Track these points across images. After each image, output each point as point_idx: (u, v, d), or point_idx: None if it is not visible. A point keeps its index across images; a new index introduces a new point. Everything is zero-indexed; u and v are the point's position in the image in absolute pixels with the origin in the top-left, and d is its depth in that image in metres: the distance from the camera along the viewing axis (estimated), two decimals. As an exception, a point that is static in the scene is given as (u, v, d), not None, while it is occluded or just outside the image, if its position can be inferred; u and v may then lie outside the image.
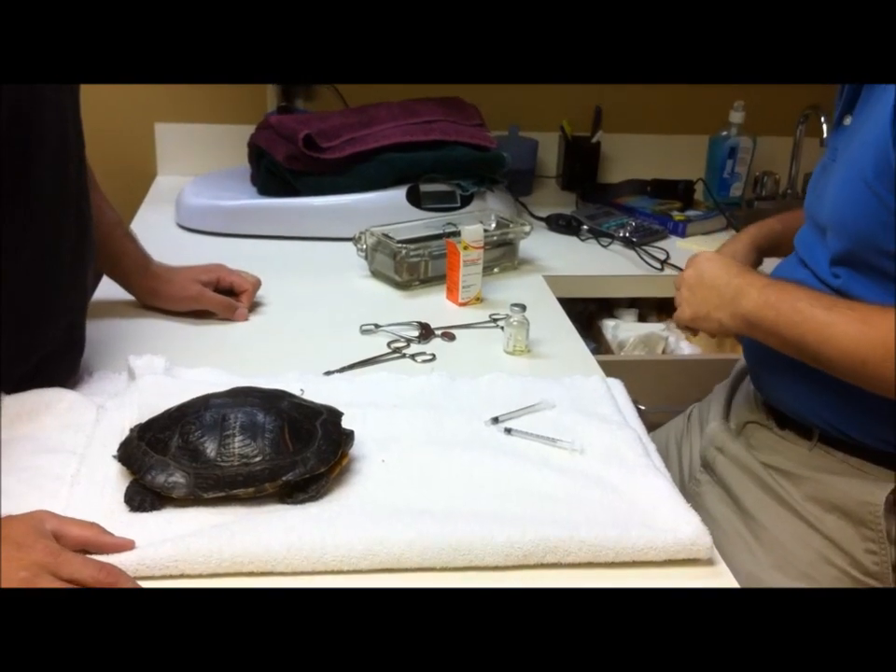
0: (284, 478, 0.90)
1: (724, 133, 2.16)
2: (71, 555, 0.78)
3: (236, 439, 0.90)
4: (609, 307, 1.86)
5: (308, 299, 1.50)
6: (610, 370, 1.29)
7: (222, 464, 0.89)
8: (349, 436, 0.97)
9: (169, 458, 0.90)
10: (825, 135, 2.00)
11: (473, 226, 1.49)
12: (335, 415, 0.98)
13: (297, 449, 0.92)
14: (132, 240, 1.34)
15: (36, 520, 0.81)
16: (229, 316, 1.37)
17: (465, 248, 1.46)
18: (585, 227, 1.92)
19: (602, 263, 1.81)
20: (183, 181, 1.95)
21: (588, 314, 1.83)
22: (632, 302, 1.86)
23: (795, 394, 1.11)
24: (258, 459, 0.90)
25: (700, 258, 1.17)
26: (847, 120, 1.08)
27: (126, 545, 0.82)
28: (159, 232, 1.61)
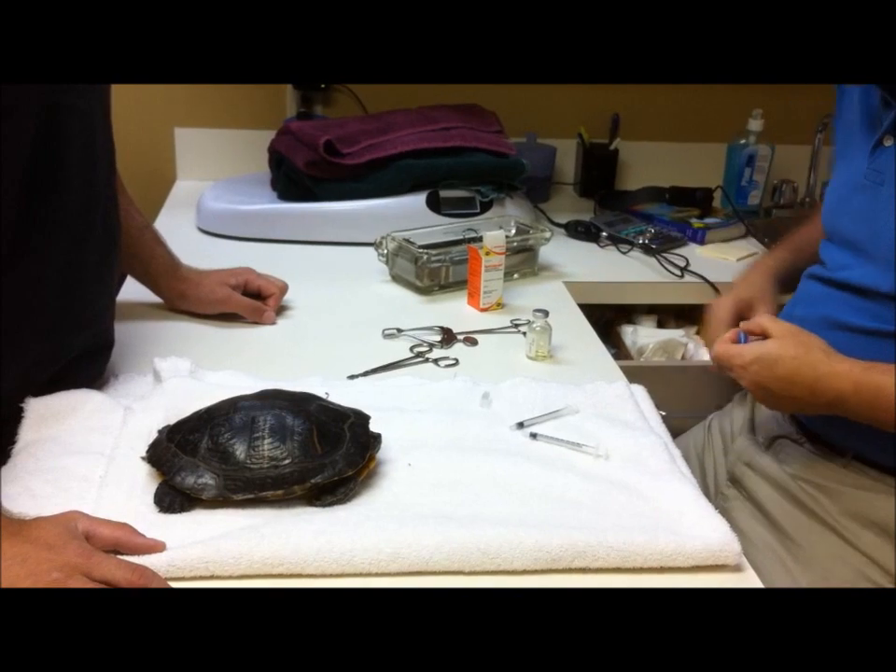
0: (313, 480, 0.90)
1: (742, 140, 2.17)
2: (104, 556, 0.79)
3: (265, 441, 0.91)
4: (628, 313, 1.86)
5: (329, 303, 1.50)
6: (630, 375, 1.28)
7: (251, 466, 0.90)
8: (376, 439, 0.97)
9: (198, 460, 0.90)
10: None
11: (495, 231, 1.50)
12: (363, 419, 0.98)
13: (325, 452, 0.92)
14: (160, 243, 1.34)
15: (68, 520, 0.81)
16: (257, 319, 1.38)
17: (486, 254, 1.46)
18: (605, 234, 1.92)
19: (622, 270, 1.81)
20: (202, 186, 1.96)
21: (606, 320, 1.83)
22: (650, 309, 1.86)
23: (828, 417, 1.10)
24: (287, 462, 0.90)
25: (751, 368, 1.05)
26: (889, 141, 1.06)
27: (157, 546, 0.83)
28: (179, 236, 1.60)
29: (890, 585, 1.07)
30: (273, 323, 1.39)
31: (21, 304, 0.97)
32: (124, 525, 0.84)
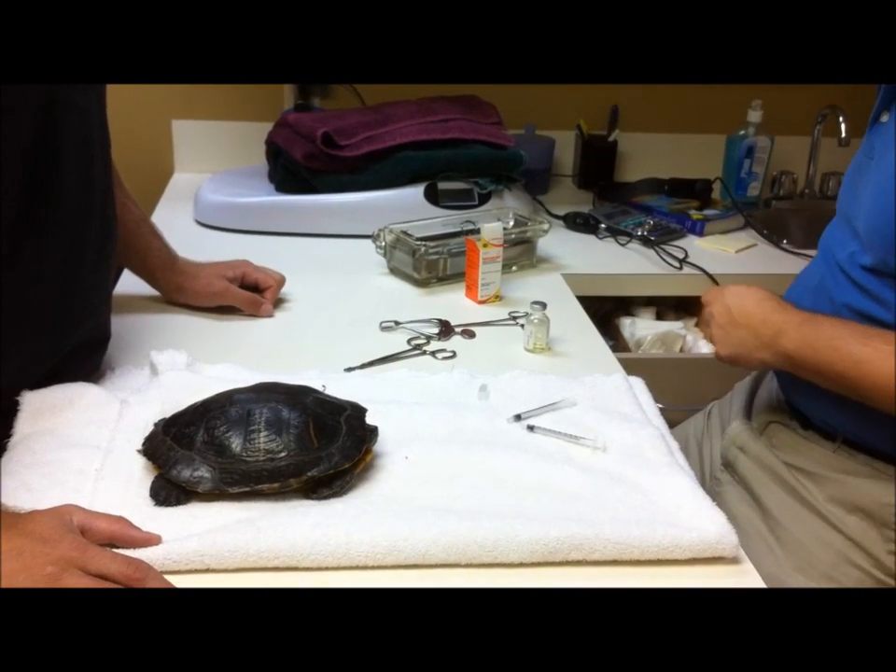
0: (309, 473, 0.90)
1: (742, 132, 2.16)
2: (99, 550, 0.78)
3: (261, 434, 0.90)
4: (627, 305, 1.85)
5: (327, 295, 1.50)
6: (628, 367, 1.28)
7: (247, 459, 0.89)
8: (373, 432, 0.97)
9: (194, 453, 0.90)
10: (843, 135, 2.00)
11: (493, 223, 1.49)
12: (359, 411, 0.98)
13: (321, 445, 0.91)
14: (157, 236, 1.34)
15: (63, 514, 0.81)
16: (254, 312, 1.38)
17: (484, 246, 1.46)
18: (603, 225, 1.91)
19: (620, 262, 1.80)
20: (200, 178, 1.96)
21: (605, 312, 1.83)
22: (649, 301, 1.85)
23: (819, 401, 1.11)
24: (283, 455, 0.90)
25: (728, 293, 1.15)
26: (885, 117, 1.06)
27: (153, 539, 0.83)
28: (177, 229, 1.60)
29: (873, 569, 1.08)
30: (271, 315, 1.39)
31: (21, 301, 0.97)
32: (120, 519, 0.84)
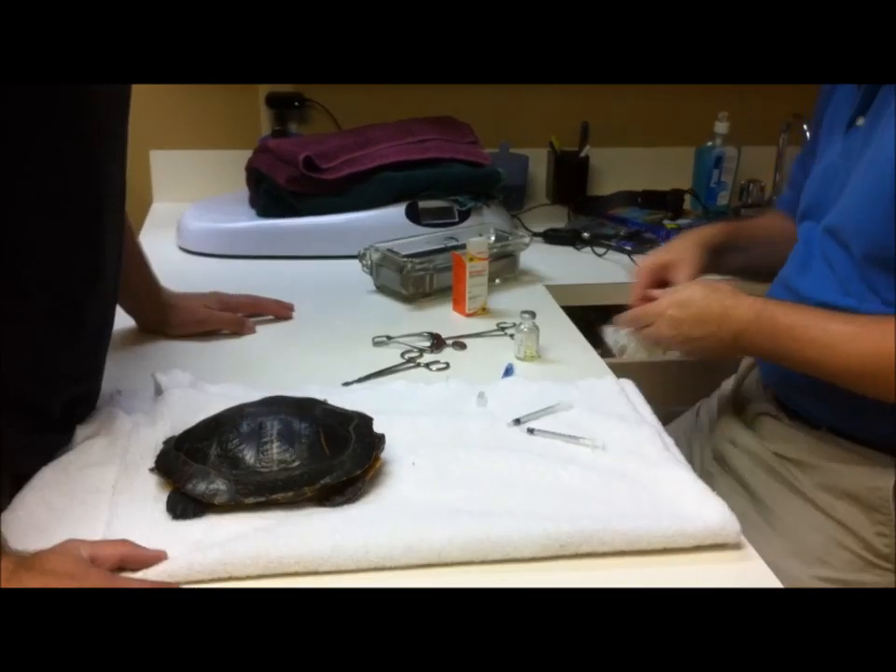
0: (322, 481, 0.92)
1: (710, 143, 2.22)
2: (125, 579, 0.79)
3: (274, 445, 0.92)
4: (608, 313, 1.89)
5: (318, 315, 1.52)
6: (616, 373, 1.32)
7: (262, 470, 0.91)
8: (381, 439, 0.99)
9: (209, 466, 0.92)
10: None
11: (478, 238, 1.53)
12: (366, 420, 1.00)
13: (333, 453, 0.94)
14: (149, 269, 1.35)
15: (72, 549, 0.80)
16: (238, 331, 1.41)
17: (470, 260, 1.49)
18: (586, 234, 1.95)
19: (600, 272, 1.85)
20: (179, 207, 1.97)
21: (588, 321, 1.86)
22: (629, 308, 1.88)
23: (801, 391, 1.15)
24: (296, 464, 0.92)
25: (667, 305, 1.17)
26: (861, 121, 1.11)
27: (160, 556, 0.83)
28: (162, 257, 1.62)
29: (863, 550, 1.13)
30: (254, 331, 1.42)
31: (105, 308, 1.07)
32: (125, 541, 0.84)
